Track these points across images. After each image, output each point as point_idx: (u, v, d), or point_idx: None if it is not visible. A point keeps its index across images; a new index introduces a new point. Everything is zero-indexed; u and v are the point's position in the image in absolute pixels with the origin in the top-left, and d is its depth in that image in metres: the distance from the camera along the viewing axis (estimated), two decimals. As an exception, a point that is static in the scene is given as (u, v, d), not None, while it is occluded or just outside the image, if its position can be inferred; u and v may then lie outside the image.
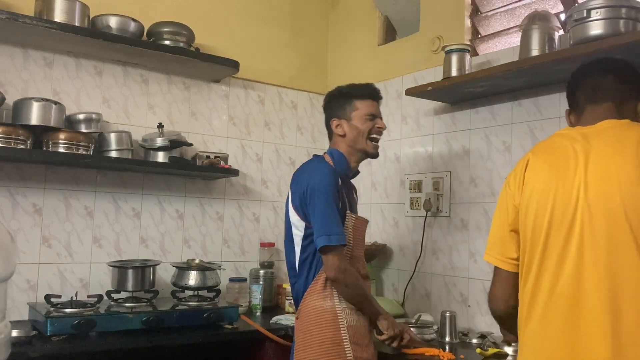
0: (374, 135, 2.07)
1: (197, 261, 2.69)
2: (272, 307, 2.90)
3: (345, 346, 1.86)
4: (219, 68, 2.85)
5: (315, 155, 2.14)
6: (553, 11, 2.33)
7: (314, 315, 1.91)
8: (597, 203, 1.28)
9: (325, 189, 1.90)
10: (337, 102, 2.08)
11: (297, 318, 1.99)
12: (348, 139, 2.05)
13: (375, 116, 2.06)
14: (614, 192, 1.26)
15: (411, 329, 2.18)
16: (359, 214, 2.08)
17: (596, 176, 1.30)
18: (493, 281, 1.53)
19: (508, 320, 1.52)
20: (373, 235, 3.00)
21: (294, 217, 1.97)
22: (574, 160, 1.35)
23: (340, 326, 1.88)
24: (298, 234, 1.97)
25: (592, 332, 1.25)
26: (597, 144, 1.35)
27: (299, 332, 1.95)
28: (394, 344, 1.97)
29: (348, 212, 1.98)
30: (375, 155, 2.11)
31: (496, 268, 1.51)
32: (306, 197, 1.92)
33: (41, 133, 2.37)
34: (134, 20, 2.62)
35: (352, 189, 2.13)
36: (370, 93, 2.09)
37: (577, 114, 1.52)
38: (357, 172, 2.15)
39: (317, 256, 1.92)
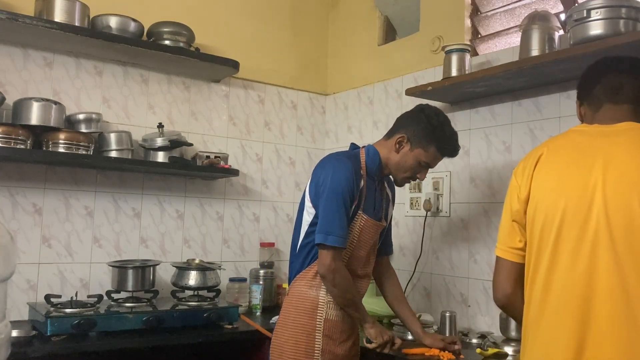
0: (411, 180, 2.07)
1: (197, 261, 2.69)
2: (272, 307, 2.90)
3: (316, 336, 1.90)
4: (219, 68, 2.85)
5: (354, 145, 2.12)
6: (553, 11, 2.33)
7: (296, 300, 1.96)
8: (615, 203, 1.27)
9: (336, 189, 1.89)
10: (422, 127, 1.98)
11: (286, 295, 2.04)
12: (395, 158, 2.01)
13: (429, 166, 2.04)
14: (633, 194, 1.25)
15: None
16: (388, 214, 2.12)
17: (615, 177, 1.29)
18: (495, 269, 1.54)
19: (507, 308, 1.55)
20: (373, 235, 3.00)
21: (308, 203, 1.98)
22: (592, 158, 1.34)
23: (317, 317, 1.92)
24: (307, 218, 1.98)
25: (603, 332, 1.24)
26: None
27: (282, 311, 2.01)
28: (385, 350, 1.97)
29: (360, 212, 1.97)
30: (398, 186, 2.13)
31: (498, 257, 1.52)
32: (319, 191, 1.93)
33: (41, 133, 2.37)
34: (134, 20, 2.61)
35: (383, 188, 2.11)
36: (449, 153, 2.04)
37: (591, 109, 1.49)
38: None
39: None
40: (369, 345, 1.99)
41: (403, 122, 2.05)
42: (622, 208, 1.26)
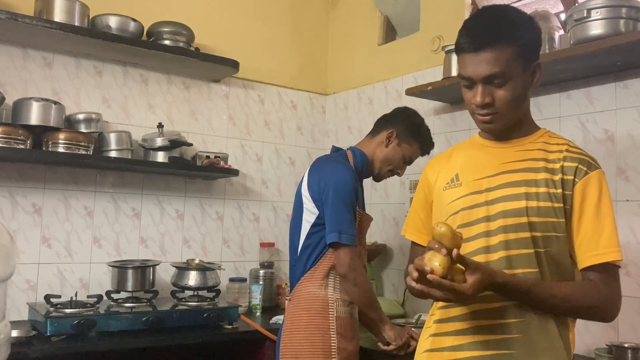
0: (392, 174, 2.20)
1: (197, 261, 2.69)
2: (272, 307, 2.90)
3: (332, 335, 1.92)
4: (219, 68, 2.85)
5: (335, 148, 2.19)
6: (553, 11, 2.33)
7: (305, 301, 1.97)
8: None
9: (344, 190, 1.95)
10: (407, 124, 2.14)
11: (289, 300, 2.04)
12: (382, 153, 2.13)
13: (410, 163, 2.19)
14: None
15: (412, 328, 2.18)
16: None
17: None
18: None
19: None
20: (373, 235, 3.00)
21: (309, 204, 2.01)
22: None
23: (330, 315, 1.94)
24: (308, 219, 2.01)
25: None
26: None
27: (289, 316, 2.00)
28: (402, 352, 1.98)
29: (357, 207, 2.02)
30: (377, 181, 2.25)
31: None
32: (323, 193, 1.97)
33: (41, 133, 2.36)
34: (134, 20, 2.61)
35: (361, 186, 2.20)
36: (427, 151, 2.21)
37: None
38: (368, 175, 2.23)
39: (319, 246, 1.97)
40: (386, 348, 1.98)
41: (389, 121, 2.18)
42: None
